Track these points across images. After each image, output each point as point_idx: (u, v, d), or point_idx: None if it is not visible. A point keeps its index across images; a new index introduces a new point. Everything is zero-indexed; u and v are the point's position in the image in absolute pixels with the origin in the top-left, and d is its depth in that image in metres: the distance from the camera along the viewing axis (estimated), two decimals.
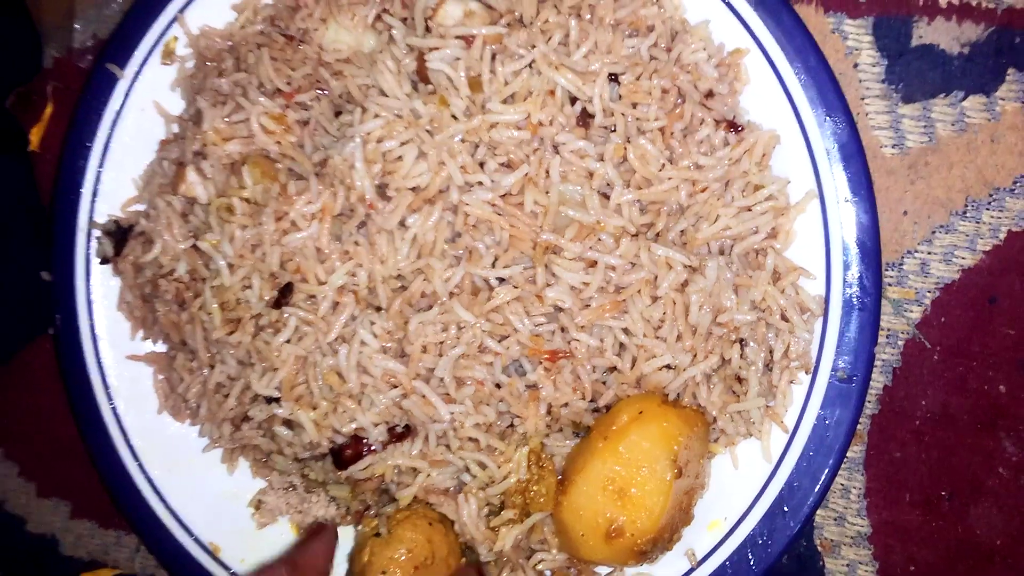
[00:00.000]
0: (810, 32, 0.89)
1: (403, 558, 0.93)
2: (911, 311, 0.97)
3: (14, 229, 1.21)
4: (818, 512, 1.01)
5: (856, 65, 0.97)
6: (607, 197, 0.91)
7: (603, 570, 0.97)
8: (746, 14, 0.90)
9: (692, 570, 0.93)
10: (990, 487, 0.95)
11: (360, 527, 0.96)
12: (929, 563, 0.97)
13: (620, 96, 0.91)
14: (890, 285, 0.97)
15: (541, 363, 0.91)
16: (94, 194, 1.12)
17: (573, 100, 0.91)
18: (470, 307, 0.90)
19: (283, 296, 0.95)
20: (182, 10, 1.07)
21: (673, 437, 0.87)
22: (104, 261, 1.12)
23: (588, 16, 0.92)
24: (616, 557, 0.89)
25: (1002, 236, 0.94)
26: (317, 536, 1.03)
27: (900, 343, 0.97)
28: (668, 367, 0.91)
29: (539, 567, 0.97)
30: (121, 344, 1.13)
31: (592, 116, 0.91)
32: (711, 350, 0.90)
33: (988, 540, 0.95)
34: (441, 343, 0.90)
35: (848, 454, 0.99)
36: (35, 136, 1.27)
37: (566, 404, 0.91)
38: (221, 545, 1.09)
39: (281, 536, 1.09)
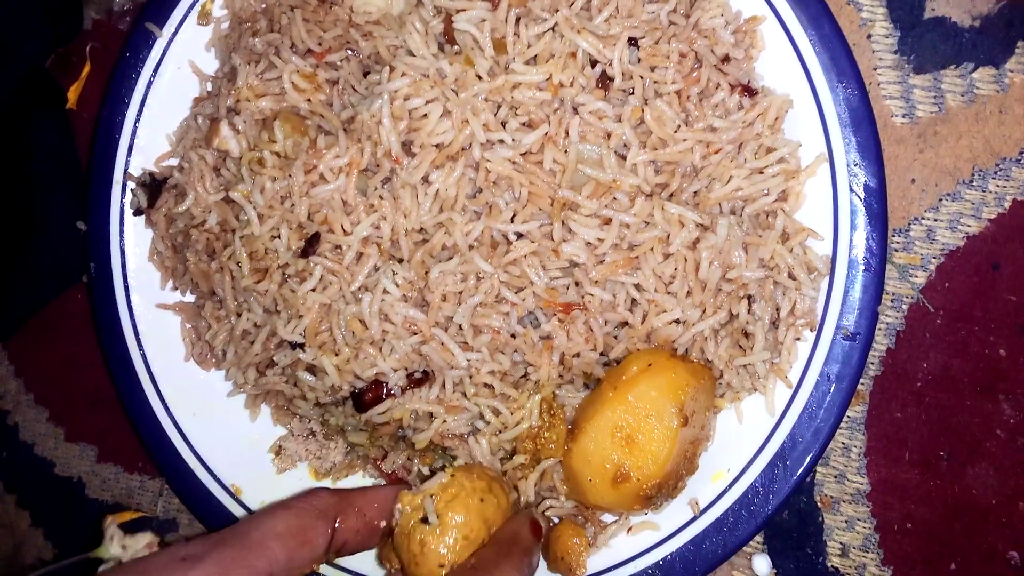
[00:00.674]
0: (825, 1, 0.92)
1: (459, 546, 0.87)
2: (916, 276, 1.00)
3: (52, 182, 1.26)
4: (819, 469, 1.04)
5: (869, 36, 1.00)
6: (623, 157, 0.94)
7: (609, 518, 1.01)
8: None
9: (695, 519, 0.97)
10: (987, 448, 0.98)
11: (400, 507, 0.90)
12: (926, 520, 1.00)
13: (639, 60, 0.94)
14: (896, 251, 1.00)
15: (555, 315, 0.95)
16: (130, 148, 1.17)
17: (593, 63, 0.95)
18: (489, 259, 0.93)
19: (310, 246, 0.99)
20: None
21: (680, 388, 0.90)
22: (137, 212, 1.17)
23: None
24: (622, 502, 0.92)
25: (1007, 205, 0.97)
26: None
27: (904, 307, 1.00)
28: (677, 322, 0.94)
29: (548, 513, 1.01)
30: (152, 293, 1.18)
31: (611, 79, 0.94)
32: (719, 306, 0.93)
33: (984, 499, 0.98)
34: (460, 293, 0.94)
35: (850, 414, 1.02)
36: (73, 95, 1.32)
37: (578, 354, 0.95)
38: (242, 487, 1.14)
39: (300, 481, 1.13)
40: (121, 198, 1.18)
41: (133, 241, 1.18)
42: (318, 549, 0.86)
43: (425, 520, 0.88)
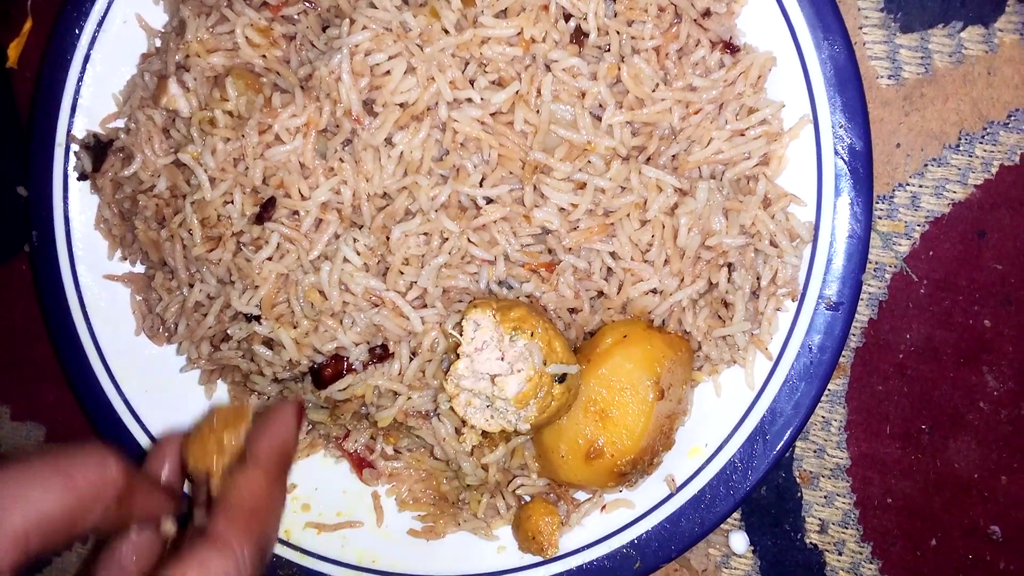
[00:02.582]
0: None
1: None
2: (900, 244, 0.97)
3: None
4: (798, 444, 1.01)
5: None
6: (599, 119, 0.89)
7: (583, 496, 0.97)
8: None
9: (671, 496, 0.93)
10: (970, 421, 0.96)
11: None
12: (906, 495, 0.98)
13: (615, 14, 0.89)
14: (880, 218, 0.97)
15: (538, 273, 0.90)
16: (73, 109, 1.09)
17: (567, 17, 0.89)
18: (456, 221, 0.88)
19: (265, 211, 0.93)
20: None
21: (656, 360, 0.86)
22: (82, 177, 1.10)
23: None
24: (596, 479, 0.88)
25: (994, 170, 0.94)
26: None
27: (887, 276, 0.97)
28: (655, 291, 0.90)
29: (519, 491, 0.97)
30: (99, 264, 1.11)
31: (586, 34, 0.89)
32: (698, 274, 0.89)
33: (966, 473, 0.96)
34: (423, 256, 0.89)
35: (830, 387, 0.99)
36: (13, 52, 1.24)
37: (572, 310, 0.90)
38: None
39: None
40: (65, 162, 1.10)
41: (78, 208, 1.11)
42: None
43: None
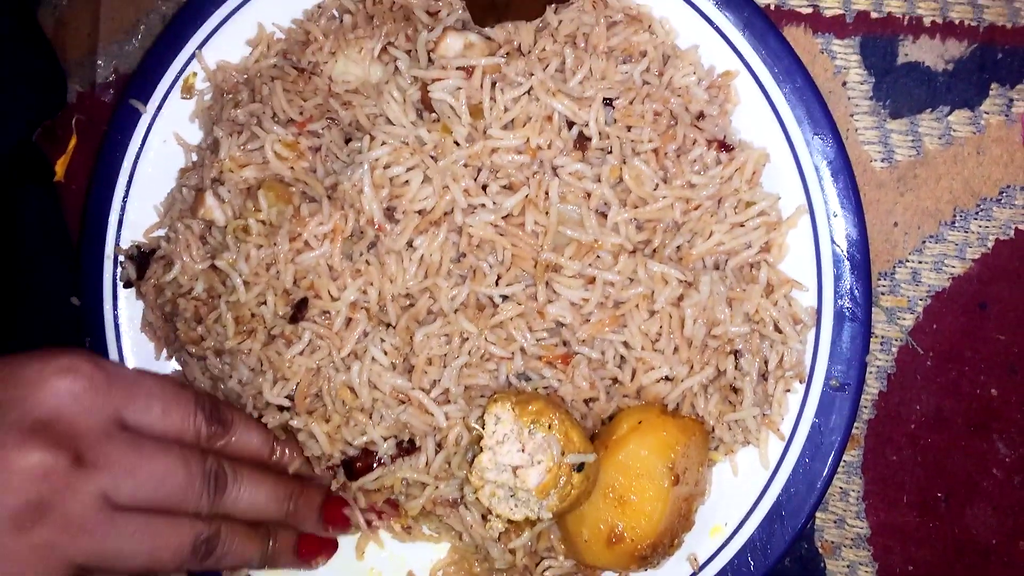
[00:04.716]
0: (796, 54, 0.93)
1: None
2: (904, 318, 1.00)
3: (42, 256, 1.27)
4: (818, 515, 1.03)
5: (845, 83, 1.00)
6: (604, 216, 0.95)
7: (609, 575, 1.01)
8: (734, 38, 0.94)
9: (694, 574, 0.96)
10: (985, 488, 0.98)
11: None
12: (928, 562, 1.00)
13: (615, 120, 0.95)
14: (883, 294, 1.00)
15: (555, 367, 0.95)
16: (119, 223, 1.18)
17: (570, 124, 0.95)
18: (475, 321, 0.94)
19: (299, 311, 1.00)
20: (200, 47, 1.12)
21: (671, 446, 0.90)
22: (127, 285, 1.18)
23: (583, 44, 0.96)
24: (618, 562, 0.92)
25: (990, 244, 0.97)
26: None
27: (894, 350, 1.00)
28: (666, 378, 0.94)
29: (547, 573, 1.00)
30: (146, 363, 1.19)
31: (588, 139, 0.95)
32: (707, 362, 0.93)
33: (984, 539, 0.98)
34: (445, 355, 0.94)
35: (846, 458, 1.02)
36: (60, 167, 1.33)
37: (589, 400, 0.95)
38: None
39: None
40: (113, 272, 1.18)
41: (126, 314, 1.19)
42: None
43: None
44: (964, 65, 0.96)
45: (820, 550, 1.04)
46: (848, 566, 1.03)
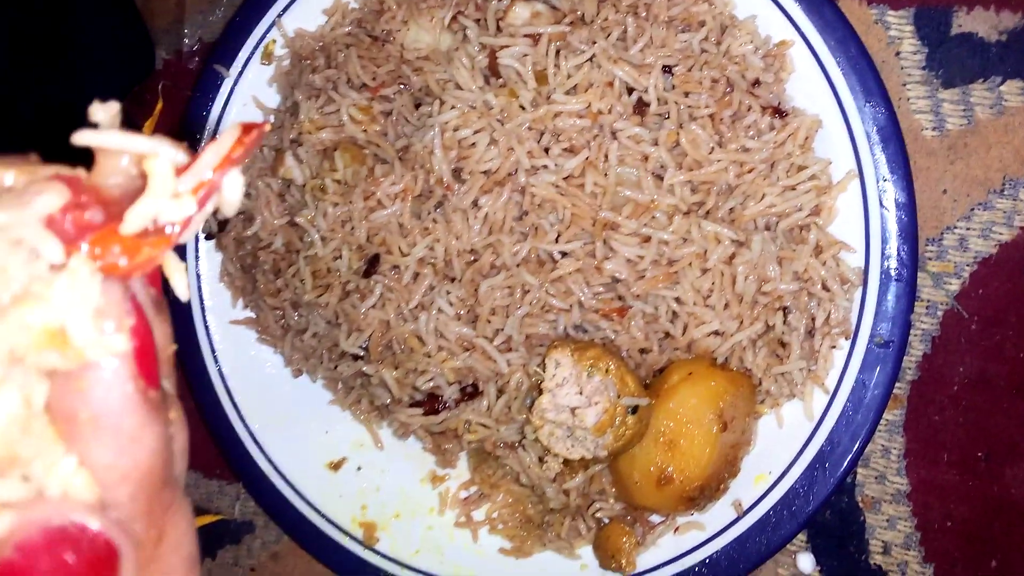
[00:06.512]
0: (851, 24, 0.96)
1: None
2: (950, 283, 1.03)
3: None
4: (859, 471, 1.08)
5: (898, 53, 1.03)
6: (661, 178, 1.00)
7: (657, 519, 1.06)
8: (791, 9, 0.98)
9: (738, 519, 1.02)
10: None
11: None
12: (965, 519, 1.03)
13: (673, 86, 0.99)
14: (930, 259, 1.04)
15: (612, 319, 1.00)
16: None
17: (630, 90, 1.00)
18: (535, 274, 1.00)
19: (371, 266, 1.07)
20: (280, 15, 1.20)
21: (719, 395, 0.95)
22: (209, 237, 1.27)
23: (644, 14, 1.01)
24: (667, 503, 0.98)
25: None
26: None
27: (939, 314, 1.04)
28: (716, 333, 0.99)
29: (598, 514, 1.07)
30: (224, 311, 1.28)
31: (647, 105, 1.00)
32: (756, 317, 0.98)
33: (1022, 498, 1.01)
34: (507, 306, 1.01)
35: (889, 417, 1.06)
36: (147, 130, 1.42)
37: (643, 350, 1.00)
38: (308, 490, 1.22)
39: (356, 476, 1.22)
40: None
41: (206, 265, 1.28)
42: None
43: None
44: (1017, 36, 0.99)
45: (860, 504, 1.09)
46: (887, 520, 1.07)
